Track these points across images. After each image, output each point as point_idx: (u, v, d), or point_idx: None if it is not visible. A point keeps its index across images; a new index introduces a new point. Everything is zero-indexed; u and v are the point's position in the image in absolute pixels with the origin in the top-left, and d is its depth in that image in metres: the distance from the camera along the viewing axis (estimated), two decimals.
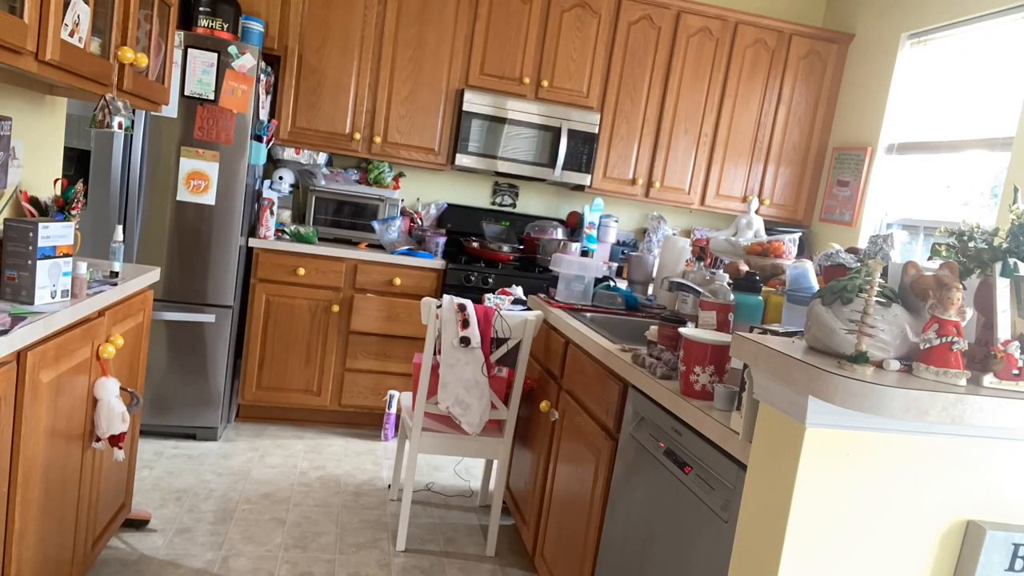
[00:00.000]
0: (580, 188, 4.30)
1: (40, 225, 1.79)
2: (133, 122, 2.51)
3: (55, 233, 1.84)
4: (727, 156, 4.37)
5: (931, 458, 1.22)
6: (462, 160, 4.03)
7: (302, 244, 3.77)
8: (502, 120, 4.04)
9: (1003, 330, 1.21)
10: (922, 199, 3.86)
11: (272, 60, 3.87)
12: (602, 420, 2.15)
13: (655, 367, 1.83)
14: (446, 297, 2.65)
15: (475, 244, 4.05)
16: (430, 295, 3.84)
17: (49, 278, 1.82)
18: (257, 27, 3.61)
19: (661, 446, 1.76)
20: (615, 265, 4.22)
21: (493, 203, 4.55)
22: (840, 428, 1.18)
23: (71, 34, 1.78)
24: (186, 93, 3.31)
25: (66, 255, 1.88)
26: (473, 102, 4.00)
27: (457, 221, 4.38)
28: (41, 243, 1.79)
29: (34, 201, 2.22)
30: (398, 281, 3.86)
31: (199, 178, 3.37)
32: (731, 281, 2.20)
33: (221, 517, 2.85)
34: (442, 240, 4.05)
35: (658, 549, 1.72)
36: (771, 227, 4.35)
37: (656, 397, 1.78)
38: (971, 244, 1.32)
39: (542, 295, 3.03)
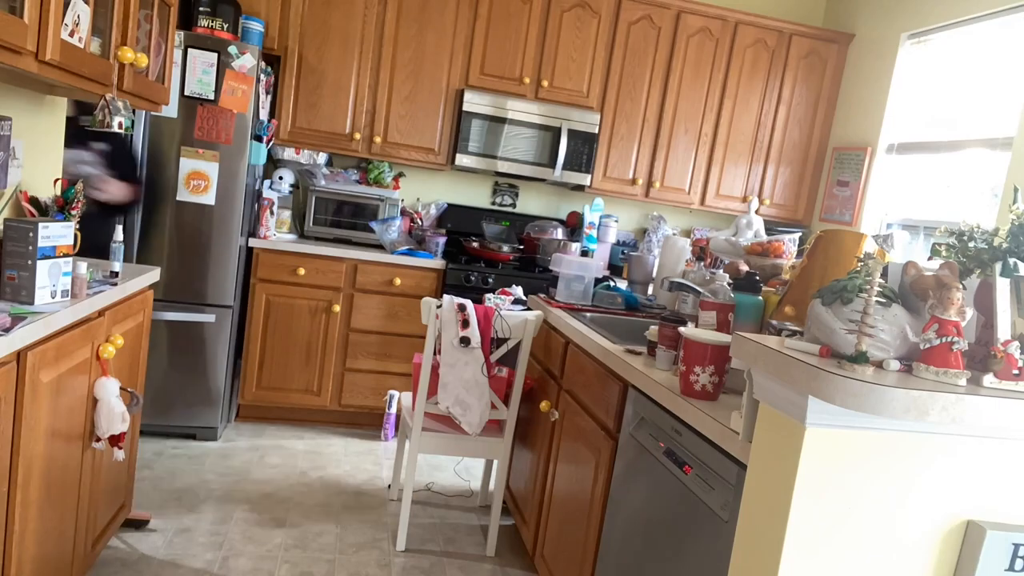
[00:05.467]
0: (580, 188, 4.30)
1: (40, 225, 1.79)
2: (133, 122, 2.50)
3: (55, 233, 1.84)
4: (727, 156, 4.37)
5: (931, 458, 1.22)
6: (462, 160, 4.03)
7: (302, 244, 3.77)
8: (502, 120, 4.04)
9: (1003, 330, 1.21)
10: (922, 199, 3.86)
11: (272, 60, 3.87)
12: (602, 420, 2.15)
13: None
14: (446, 297, 2.65)
15: (475, 244, 4.05)
16: (430, 295, 3.84)
17: (49, 278, 1.82)
18: (257, 27, 3.61)
19: (661, 446, 1.76)
20: (606, 270, 4.22)
21: (493, 203, 4.55)
22: (840, 428, 1.18)
23: (71, 34, 1.78)
24: (186, 93, 3.31)
25: (66, 255, 1.88)
26: (473, 102, 4.00)
27: (457, 221, 4.38)
28: (41, 243, 1.79)
29: (34, 201, 2.22)
30: (398, 281, 3.86)
31: (199, 178, 3.37)
32: (731, 281, 2.20)
33: (221, 517, 2.85)
34: (442, 240, 4.05)
35: (658, 549, 1.72)
36: (771, 227, 4.35)
37: (656, 397, 1.78)
38: (971, 244, 1.32)
39: (542, 295, 3.03)
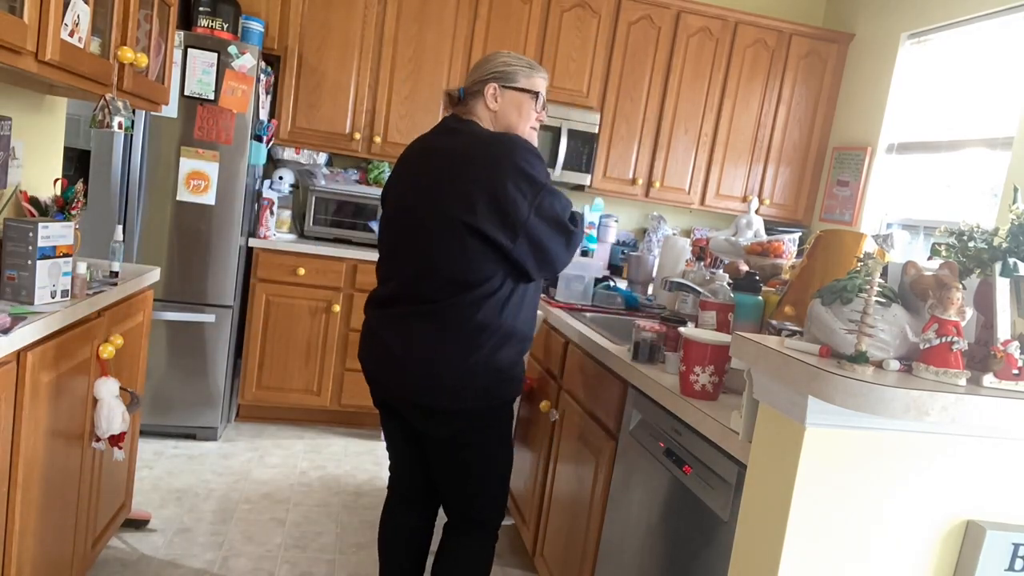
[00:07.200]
0: (580, 188, 4.29)
1: (40, 225, 1.79)
2: (133, 122, 2.50)
3: (55, 233, 1.84)
4: (727, 156, 4.37)
5: (931, 458, 1.22)
6: None
7: (302, 244, 3.77)
8: None
9: (1003, 330, 1.21)
10: (922, 199, 3.86)
11: (272, 60, 3.87)
12: (602, 420, 2.15)
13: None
14: None
15: None
16: None
17: (49, 278, 1.82)
18: (257, 27, 3.61)
19: (661, 446, 1.76)
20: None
21: None
22: (840, 428, 1.18)
23: (71, 34, 1.78)
24: (186, 93, 3.31)
25: (66, 255, 1.88)
26: None
27: None
28: (41, 243, 1.79)
29: (34, 201, 2.22)
30: None
31: (199, 178, 3.37)
32: (731, 281, 2.20)
33: (221, 517, 2.85)
34: None
35: (658, 549, 1.72)
36: (771, 227, 4.34)
37: (656, 397, 1.78)
38: (971, 244, 1.32)
39: (542, 295, 3.03)
